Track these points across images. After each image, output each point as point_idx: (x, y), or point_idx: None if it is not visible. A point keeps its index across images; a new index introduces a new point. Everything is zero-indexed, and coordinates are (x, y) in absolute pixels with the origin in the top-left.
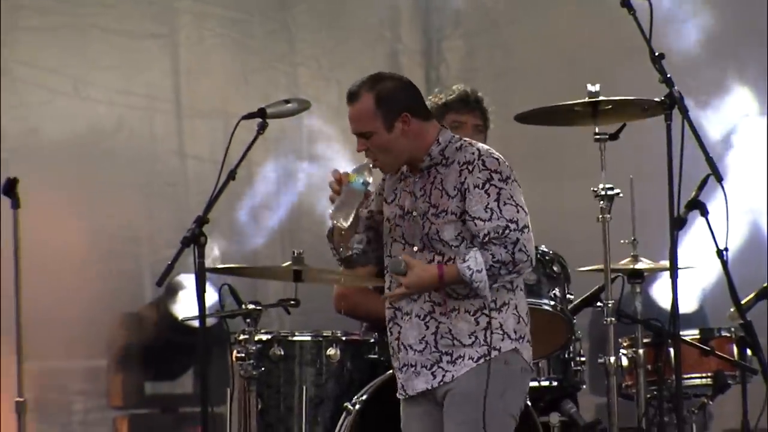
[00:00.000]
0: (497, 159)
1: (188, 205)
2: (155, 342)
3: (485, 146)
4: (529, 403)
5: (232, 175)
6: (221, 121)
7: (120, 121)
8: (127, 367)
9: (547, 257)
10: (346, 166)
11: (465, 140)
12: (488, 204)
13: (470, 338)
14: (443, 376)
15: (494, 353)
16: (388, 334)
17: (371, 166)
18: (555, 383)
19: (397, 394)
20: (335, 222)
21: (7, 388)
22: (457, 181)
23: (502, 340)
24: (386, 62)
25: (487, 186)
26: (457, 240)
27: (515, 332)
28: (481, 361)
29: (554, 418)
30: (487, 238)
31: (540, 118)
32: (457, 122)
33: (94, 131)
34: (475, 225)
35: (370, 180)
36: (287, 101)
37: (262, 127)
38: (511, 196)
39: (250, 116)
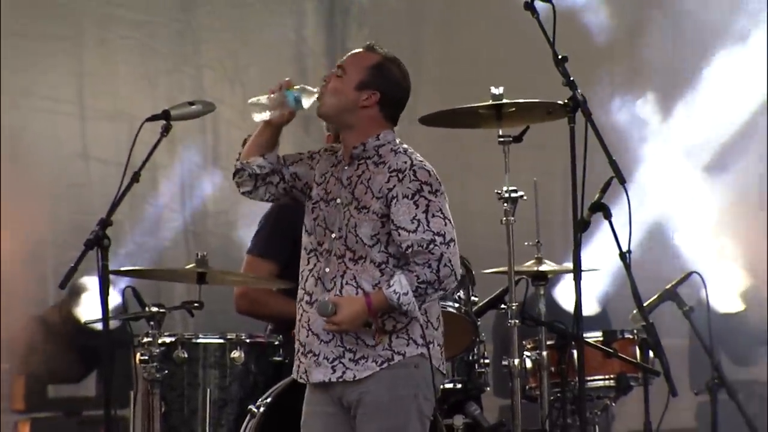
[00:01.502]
0: (428, 171)
1: (92, 208)
2: (58, 345)
3: (419, 157)
4: None
5: (136, 177)
6: (125, 123)
7: (23, 123)
8: (29, 370)
9: None
10: None
11: (403, 147)
12: (416, 215)
13: (374, 340)
14: (343, 372)
15: (398, 358)
16: (297, 316)
17: (316, 96)
18: (459, 385)
19: (298, 378)
20: (250, 107)
21: None
22: (385, 186)
23: (407, 345)
24: (291, 64)
25: (416, 197)
26: (372, 240)
27: (422, 338)
28: (385, 365)
29: (458, 420)
30: (410, 250)
31: (444, 121)
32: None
33: None
34: (399, 235)
35: (305, 104)
36: (192, 103)
37: (166, 129)
38: (440, 209)
39: (154, 118)
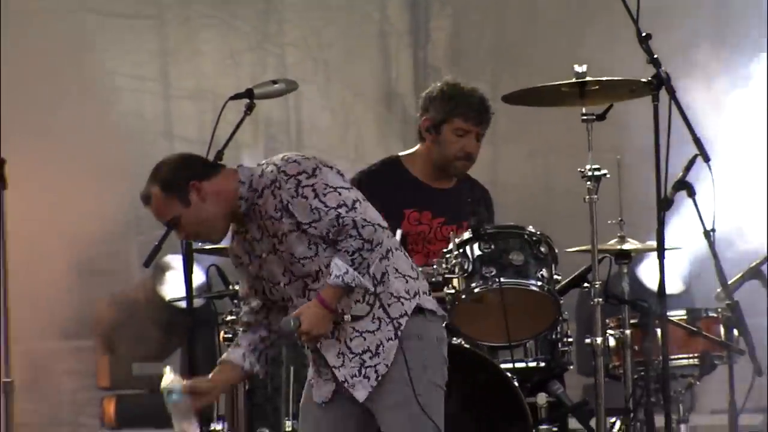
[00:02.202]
0: (295, 161)
1: None
2: (143, 323)
3: (279, 156)
4: (516, 383)
5: (219, 156)
6: (209, 102)
7: (109, 102)
8: (114, 347)
9: (534, 238)
10: (332, 144)
11: (261, 164)
12: (312, 205)
13: (374, 323)
14: (376, 370)
15: (402, 325)
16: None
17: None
18: (542, 364)
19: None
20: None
21: None
22: (275, 204)
23: (402, 305)
24: (373, 42)
25: (300, 190)
26: (310, 250)
27: (407, 292)
28: (395, 339)
29: (541, 399)
30: (330, 234)
31: (527, 99)
32: (462, 130)
33: None
34: (315, 229)
35: (179, 387)
36: (275, 82)
37: (250, 108)
38: (326, 185)
39: (237, 97)
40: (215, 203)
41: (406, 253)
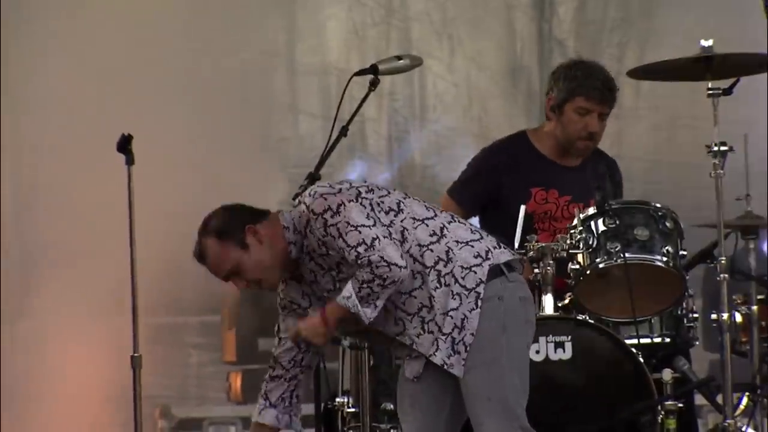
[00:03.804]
0: (322, 196)
1: (301, 161)
2: (268, 298)
3: (309, 193)
4: (641, 359)
5: (344, 131)
6: (333, 77)
7: (234, 76)
8: (240, 322)
9: (659, 213)
10: (457, 119)
11: (296, 203)
12: (338, 245)
13: (455, 299)
14: (464, 342)
15: (481, 293)
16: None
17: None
18: (668, 340)
19: (413, 378)
20: None
21: (123, 343)
22: (316, 241)
23: (475, 273)
24: (498, 16)
25: (327, 230)
26: None
27: (477, 256)
28: (477, 308)
29: (667, 375)
30: (358, 270)
31: (653, 74)
32: (584, 109)
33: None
34: (348, 265)
35: None
36: (399, 57)
37: (374, 84)
38: (347, 223)
39: (362, 72)
40: (271, 246)
41: (463, 221)
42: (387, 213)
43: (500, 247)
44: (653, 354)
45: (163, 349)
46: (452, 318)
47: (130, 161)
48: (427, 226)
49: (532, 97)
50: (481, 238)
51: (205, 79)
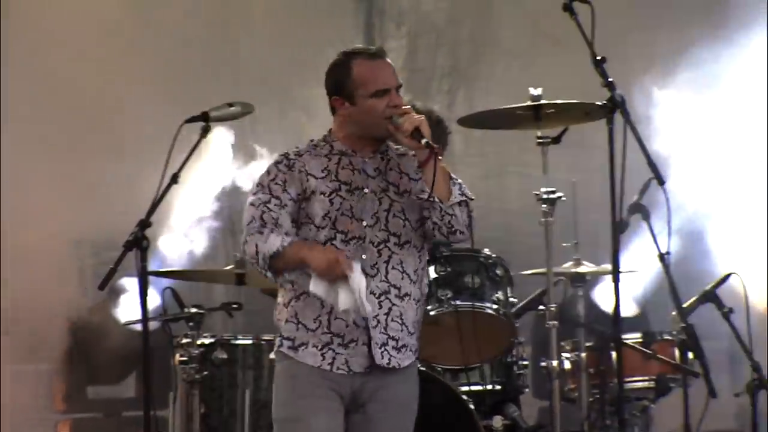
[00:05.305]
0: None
1: (130, 208)
2: (98, 346)
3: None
4: (472, 406)
5: (175, 180)
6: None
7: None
8: (69, 371)
9: (489, 260)
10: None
11: None
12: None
13: (413, 329)
14: (390, 359)
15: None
16: (326, 308)
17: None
18: (498, 387)
19: (335, 370)
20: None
21: None
22: (416, 168)
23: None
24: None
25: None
26: (417, 224)
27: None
28: (413, 360)
29: (497, 422)
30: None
31: (483, 122)
32: None
33: None
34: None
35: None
36: (231, 104)
37: (205, 131)
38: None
39: (193, 120)
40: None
41: None
42: None
43: None
44: (484, 401)
45: None
46: None
47: None
48: None
49: None
50: None
51: None
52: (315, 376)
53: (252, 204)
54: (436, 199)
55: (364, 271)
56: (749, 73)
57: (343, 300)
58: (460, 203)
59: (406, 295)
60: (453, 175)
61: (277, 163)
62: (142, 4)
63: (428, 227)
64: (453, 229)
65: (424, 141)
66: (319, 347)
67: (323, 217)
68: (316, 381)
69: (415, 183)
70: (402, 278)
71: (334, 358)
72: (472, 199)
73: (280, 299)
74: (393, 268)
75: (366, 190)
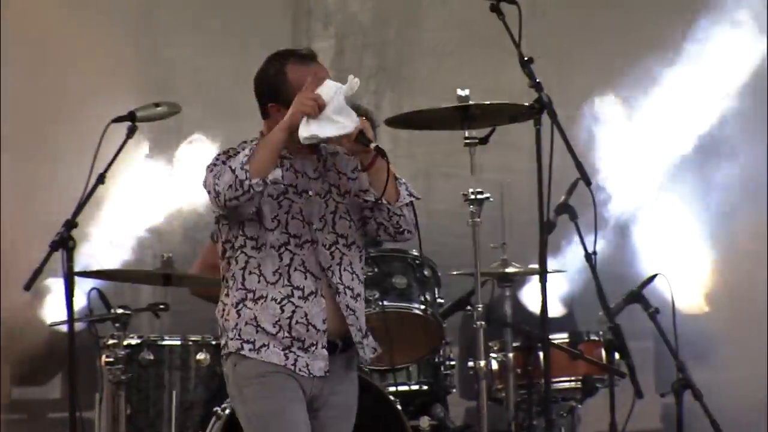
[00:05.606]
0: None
1: (57, 208)
2: (23, 347)
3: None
4: (399, 407)
5: (101, 180)
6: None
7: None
8: None
9: (417, 261)
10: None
11: None
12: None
13: (364, 329)
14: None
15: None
16: (286, 313)
17: None
18: (425, 387)
19: (297, 371)
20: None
21: None
22: (352, 165)
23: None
24: (258, 63)
25: None
26: (358, 223)
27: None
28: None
29: (424, 422)
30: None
31: (410, 122)
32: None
33: None
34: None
35: None
36: (157, 105)
37: (132, 131)
38: None
39: (120, 119)
40: None
41: None
42: None
43: None
44: (411, 401)
45: None
46: None
47: None
48: None
49: None
50: None
51: None
52: (283, 373)
53: (210, 170)
54: (384, 202)
55: (313, 275)
56: (682, 77)
57: (342, 125)
58: (407, 203)
59: (358, 295)
60: (397, 175)
61: (222, 153)
62: (78, 4)
63: (371, 227)
64: (401, 229)
65: (373, 145)
66: (281, 349)
67: (272, 219)
68: (285, 377)
69: (353, 182)
70: (352, 279)
71: (296, 360)
72: (418, 199)
73: (226, 300)
74: (344, 269)
75: (311, 193)
